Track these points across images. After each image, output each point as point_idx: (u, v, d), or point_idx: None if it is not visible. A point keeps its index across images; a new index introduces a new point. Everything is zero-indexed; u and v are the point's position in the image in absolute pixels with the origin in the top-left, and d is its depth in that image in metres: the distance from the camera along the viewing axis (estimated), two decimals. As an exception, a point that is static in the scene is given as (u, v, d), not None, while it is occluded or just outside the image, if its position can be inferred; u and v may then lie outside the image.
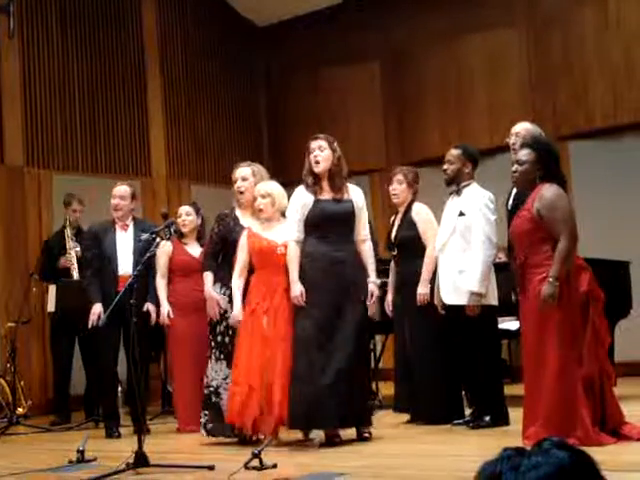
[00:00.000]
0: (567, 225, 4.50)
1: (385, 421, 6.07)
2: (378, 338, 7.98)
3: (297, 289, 5.20)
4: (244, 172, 5.86)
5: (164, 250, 6.62)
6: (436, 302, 5.71)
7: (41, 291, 7.94)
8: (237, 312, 5.44)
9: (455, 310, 5.52)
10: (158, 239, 5.13)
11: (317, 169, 5.34)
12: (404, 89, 10.26)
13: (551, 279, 4.40)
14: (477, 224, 5.48)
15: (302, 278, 5.23)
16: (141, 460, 4.48)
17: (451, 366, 5.87)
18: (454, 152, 5.73)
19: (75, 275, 7.44)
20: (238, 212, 5.89)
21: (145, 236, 5.33)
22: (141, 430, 4.65)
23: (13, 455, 5.77)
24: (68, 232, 7.66)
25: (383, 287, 6.22)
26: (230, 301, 5.65)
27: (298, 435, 5.43)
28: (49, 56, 9.22)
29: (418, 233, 6.05)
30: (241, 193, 5.82)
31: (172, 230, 5.45)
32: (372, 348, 7.44)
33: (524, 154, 4.67)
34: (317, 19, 10.73)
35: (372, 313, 5.56)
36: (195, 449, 5.66)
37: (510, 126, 5.89)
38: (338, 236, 5.31)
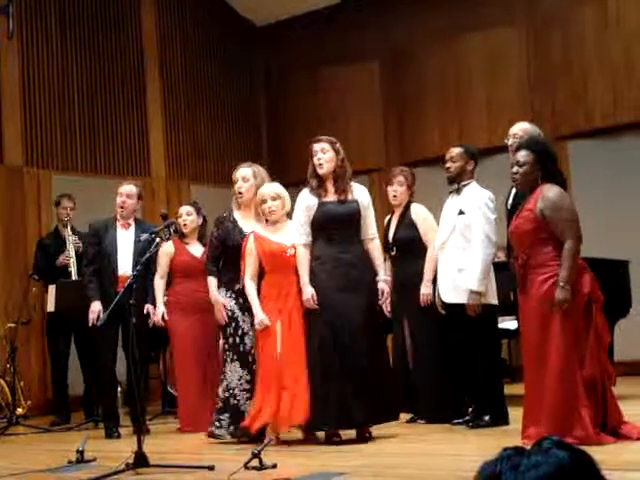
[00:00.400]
0: (572, 226, 4.50)
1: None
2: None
3: (308, 292, 5.22)
4: (245, 172, 5.86)
5: (165, 251, 6.63)
6: (436, 301, 5.72)
7: (41, 291, 7.94)
8: (261, 316, 5.39)
9: (455, 309, 5.53)
10: (158, 239, 5.14)
11: (321, 171, 5.35)
12: (403, 88, 10.25)
13: (562, 283, 4.40)
14: (477, 223, 5.48)
15: (312, 281, 5.25)
16: (141, 460, 4.48)
17: (451, 365, 5.88)
18: (456, 150, 5.75)
19: (74, 275, 7.45)
20: (237, 214, 5.89)
21: (145, 236, 5.34)
22: (141, 430, 4.65)
23: (13, 455, 5.77)
24: (68, 230, 7.66)
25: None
26: (236, 302, 5.66)
27: (298, 435, 5.43)
28: (49, 57, 9.22)
29: (418, 234, 6.07)
30: (240, 194, 5.83)
31: (172, 230, 5.45)
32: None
33: (522, 155, 4.67)
34: (316, 19, 10.72)
35: (388, 311, 5.57)
36: (195, 449, 5.66)
37: (509, 125, 5.89)
38: (344, 237, 5.33)
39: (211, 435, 5.72)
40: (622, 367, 6.76)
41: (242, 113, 11.07)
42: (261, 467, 4.23)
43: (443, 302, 5.63)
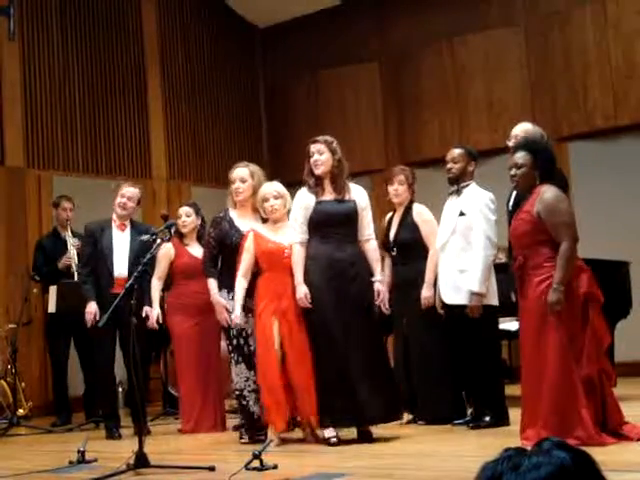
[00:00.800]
0: (568, 228, 4.50)
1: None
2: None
3: (301, 291, 5.23)
4: (242, 173, 5.86)
5: (166, 253, 6.63)
6: (436, 302, 5.73)
7: (42, 292, 7.94)
8: (238, 314, 5.47)
9: (455, 310, 5.53)
10: (159, 240, 5.14)
11: (317, 172, 5.37)
12: (404, 90, 10.26)
13: (556, 285, 4.41)
14: (477, 224, 5.49)
15: (307, 280, 5.25)
16: (142, 461, 4.48)
17: (451, 366, 5.88)
18: (457, 151, 5.75)
19: (76, 276, 7.45)
20: (233, 213, 5.89)
21: (146, 237, 5.34)
22: (142, 431, 4.65)
23: (14, 456, 5.77)
24: (68, 232, 7.66)
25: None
26: None
27: (299, 435, 5.44)
28: (50, 58, 9.22)
29: (419, 235, 6.06)
30: (238, 194, 5.83)
31: (172, 231, 5.45)
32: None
33: (520, 157, 4.66)
34: (316, 20, 10.73)
35: (386, 308, 5.57)
36: (196, 450, 5.66)
37: (510, 126, 5.88)
38: (340, 236, 5.33)
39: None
40: (623, 368, 6.76)
41: (243, 114, 11.07)
42: (262, 468, 4.23)
43: (444, 303, 5.63)
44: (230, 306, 5.69)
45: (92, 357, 6.74)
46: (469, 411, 5.77)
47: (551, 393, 4.45)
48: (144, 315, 6.35)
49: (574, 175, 8.58)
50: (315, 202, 5.35)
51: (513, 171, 4.69)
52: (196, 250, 6.72)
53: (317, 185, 5.39)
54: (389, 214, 6.39)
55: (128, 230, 6.54)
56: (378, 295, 5.38)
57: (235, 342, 5.71)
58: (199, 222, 6.84)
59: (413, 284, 5.96)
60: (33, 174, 8.93)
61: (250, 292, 5.52)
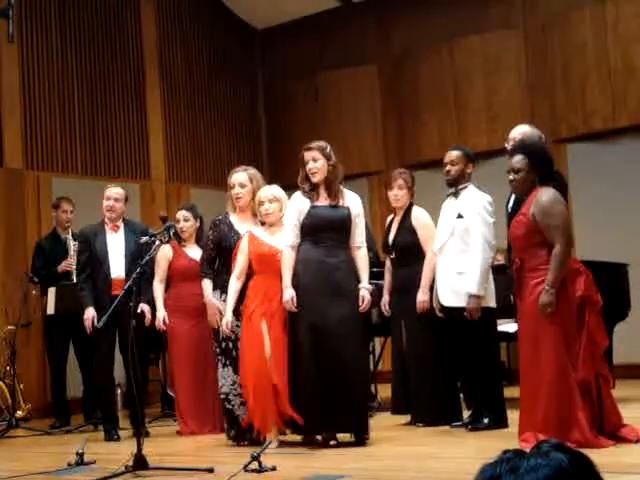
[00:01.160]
0: (562, 231, 4.50)
1: (384, 423, 6.08)
2: (377, 340, 8.00)
3: (288, 294, 5.22)
4: (241, 178, 5.85)
5: (164, 254, 6.63)
6: (434, 304, 5.73)
7: (40, 294, 7.94)
8: (229, 319, 5.47)
9: (454, 312, 5.53)
10: (157, 242, 5.14)
11: (314, 180, 5.36)
12: (402, 92, 10.27)
13: (547, 287, 4.41)
14: (476, 227, 5.49)
15: (295, 283, 5.24)
16: (140, 463, 4.48)
17: (449, 368, 5.88)
18: (455, 153, 5.75)
19: (75, 278, 7.44)
20: (233, 217, 5.89)
21: (145, 239, 5.34)
22: (140, 433, 4.65)
23: (12, 458, 5.76)
24: (69, 235, 7.66)
25: (382, 290, 6.24)
26: None
27: (297, 438, 5.43)
28: (49, 60, 9.23)
29: (417, 239, 6.06)
30: (238, 199, 5.82)
31: (171, 233, 5.45)
32: (371, 350, 7.45)
33: (517, 161, 4.65)
34: (316, 22, 10.74)
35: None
36: (194, 452, 5.66)
37: (508, 129, 5.88)
38: (332, 242, 5.31)
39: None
40: (621, 370, 6.77)
41: (242, 116, 11.08)
42: (260, 470, 4.23)
43: (442, 305, 5.63)
44: (223, 308, 5.69)
45: (91, 359, 6.74)
46: (468, 413, 5.77)
47: (548, 396, 4.45)
48: (139, 311, 6.33)
49: (572, 177, 8.58)
50: (309, 206, 5.34)
51: (511, 176, 4.68)
52: (194, 252, 6.72)
53: (312, 190, 5.39)
54: (390, 217, 6.39)
55: (122, 230, 6.53)
56: (362, 301, 5.33)
57: (224, 345, 5.67)
58: (197, 224, 6.84)
59: (412, 287, 5.95)
60: (32, 176, 8.93)
61: (242, 296, 5.51)
